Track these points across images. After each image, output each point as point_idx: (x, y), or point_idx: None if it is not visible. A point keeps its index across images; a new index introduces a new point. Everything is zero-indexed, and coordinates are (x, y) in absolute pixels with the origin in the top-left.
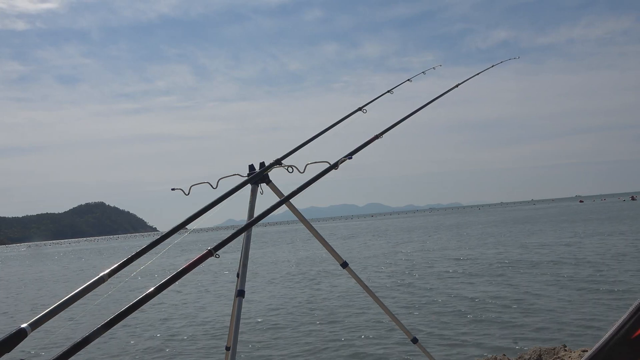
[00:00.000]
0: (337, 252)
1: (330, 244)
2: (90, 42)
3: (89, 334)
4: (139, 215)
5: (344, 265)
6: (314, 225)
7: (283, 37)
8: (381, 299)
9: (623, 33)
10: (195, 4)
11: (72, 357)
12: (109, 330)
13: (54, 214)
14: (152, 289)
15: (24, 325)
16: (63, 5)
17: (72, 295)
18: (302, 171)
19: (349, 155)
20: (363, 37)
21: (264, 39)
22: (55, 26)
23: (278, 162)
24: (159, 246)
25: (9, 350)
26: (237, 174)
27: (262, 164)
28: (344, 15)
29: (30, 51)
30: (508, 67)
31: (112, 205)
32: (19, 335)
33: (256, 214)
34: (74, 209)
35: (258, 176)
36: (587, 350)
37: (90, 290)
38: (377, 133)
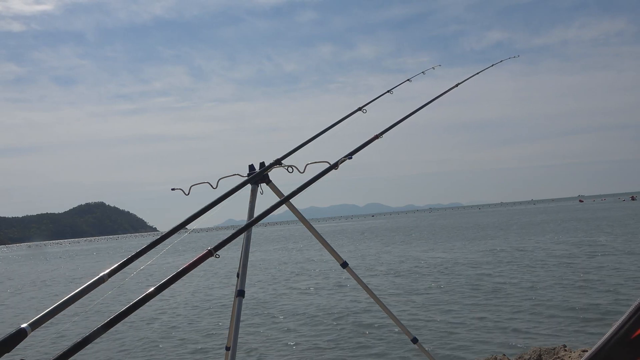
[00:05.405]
0: (337, 252)
1: (330, 244)
2: (86, 44)
3: (89, 334)
4: (139, 215)
5: (344, 265)
6: (314, 225)
7: (278, 38)
8: (381, 299)
9: (617, 34)
10: (189, 6)
11: (72, 357)
12: (109, 330)
13: (54, 214)
14: (152, 289)
15: (24, 325)
16: (58, 7)
17: (72, 295)
18: (302, 171)
19: (349, 155)
20: (358, 38)
21: (259, 41)
22: (50, 27)
23: (278, 162)
24: (159, 246)
25: (9, 350)
26: (237, 174)
27: (262, 164)
28: (338, 16)
29: (26, 52)
30: (504, 67)
31: (112, 205)
32: (19, 335)
33: (256, 214)
34: (74, 209)
35: (258, 176)
36: (587, 350)
37: (90, 290)
38: (377, 133)
